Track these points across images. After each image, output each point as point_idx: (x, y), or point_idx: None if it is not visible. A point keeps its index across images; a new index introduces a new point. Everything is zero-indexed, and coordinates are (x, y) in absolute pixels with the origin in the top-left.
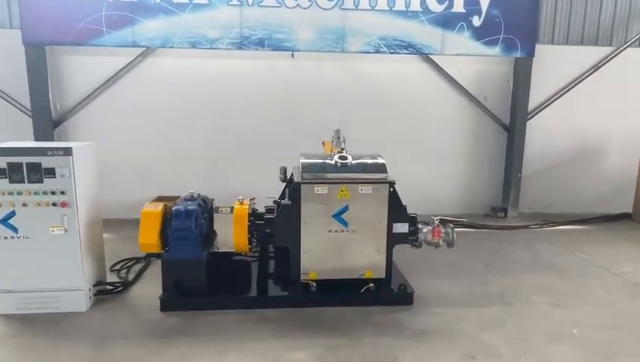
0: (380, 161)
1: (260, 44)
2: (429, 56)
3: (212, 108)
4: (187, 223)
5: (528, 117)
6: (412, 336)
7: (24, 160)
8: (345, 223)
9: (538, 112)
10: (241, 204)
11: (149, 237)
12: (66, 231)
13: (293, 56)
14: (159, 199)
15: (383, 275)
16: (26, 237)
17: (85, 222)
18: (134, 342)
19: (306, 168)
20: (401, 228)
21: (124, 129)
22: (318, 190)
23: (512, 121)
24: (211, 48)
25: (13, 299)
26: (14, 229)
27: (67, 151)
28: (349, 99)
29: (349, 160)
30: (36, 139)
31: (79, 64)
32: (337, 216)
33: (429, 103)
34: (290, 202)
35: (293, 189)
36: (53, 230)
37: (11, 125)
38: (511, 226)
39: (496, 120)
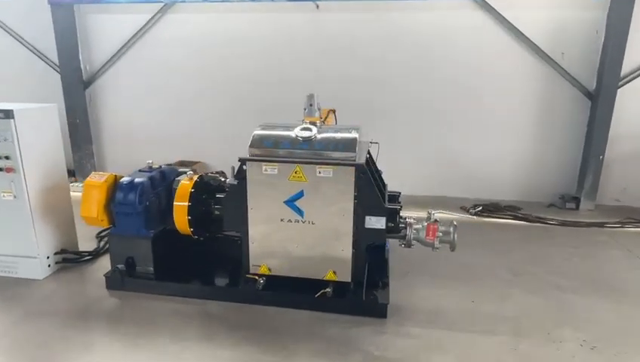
0: (350, 135)
1: None
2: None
3: (231, 67)
4: (130, 197)
5: (621, 82)
6: None
7: None
8: (300, 212)
9: (636, 77)
10: (190, 179)
11: (90, 211)
12: (15, 197)
13: (317, 7)
14: (181, 163)
15: (348, 278)
16: None
17: (39, 189)
18: (57, 320)
19: (255, 142)
20: (376, 222)
21: (147, 90)
22: (266, 169)
23: (597, 87)
24: (223, 1)
25: None
26: None
27: (7, 114)
28: (384, 58)
29: (313, 133)
30: (66, 101)
31: (105, 23)
32: (290, 203)
33: (486, 62)
34: (235, 182)
35: (239, 167)
36: (4, 195)
37: (44, 84)
38: (579, 223)
39: (575, 84)
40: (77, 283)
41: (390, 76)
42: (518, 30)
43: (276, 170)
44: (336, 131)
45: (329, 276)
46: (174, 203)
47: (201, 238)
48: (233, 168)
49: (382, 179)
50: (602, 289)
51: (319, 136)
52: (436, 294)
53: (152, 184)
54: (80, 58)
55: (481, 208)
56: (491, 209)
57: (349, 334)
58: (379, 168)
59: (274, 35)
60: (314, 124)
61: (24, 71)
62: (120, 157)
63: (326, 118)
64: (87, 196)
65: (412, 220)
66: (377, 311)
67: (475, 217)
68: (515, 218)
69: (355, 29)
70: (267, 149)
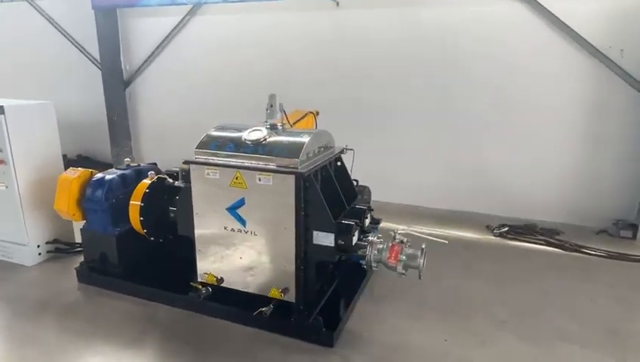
0: (299, 140)
1: None
2: None
3: (257, 66)
4: (97, 194)
5: None
6: None
7: None
8: (242, 221)
9: None
10: (151, 179)
11: (61, 204)
12: (6, 187)
13: (338, 4)
14: None
15: (292, 298)
16: None
17: (30, 181)
18: (13, 307)
19: (202, 143)
20: (324, 239)
21: (180, 89)
22: (208, 173)
23: None
24: (241, 1)
25: None
26: None
27: None
28: (406, 57)
29: (262, 136)
30: (107, 99)
31: (142, 25)
32: (232, 211)
33: (524, 61)
34: (183, 185)
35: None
36: None
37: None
38: (627, 256)
39: (636, 86)
40: (57, 273)
41: (412, 76)
42: (564, 24)
43: (217, 175)
44: (289, 135)
45: (273, 293)
46: (130, 201)
47: (160, 240)
48: (182, 170)
49: (351, 190)
50: (621, 348)
51: (269, 140)
52: (407, 326)
53: (123, 182)
54: (121, 59)
55: (507, 229)
56: (520, 231)
57: (284, 359)
58: (352, 178)
59: (296, 33)
60: (274, 126)
61: (74, 70)
62: (155, 153)
63: (297, 120)
64: (61, 190)
65: (376, 239)
66: (322, 338)
67: (498, 238)
68: (548, 244)
69: (376, 26)
70: (212, 152)
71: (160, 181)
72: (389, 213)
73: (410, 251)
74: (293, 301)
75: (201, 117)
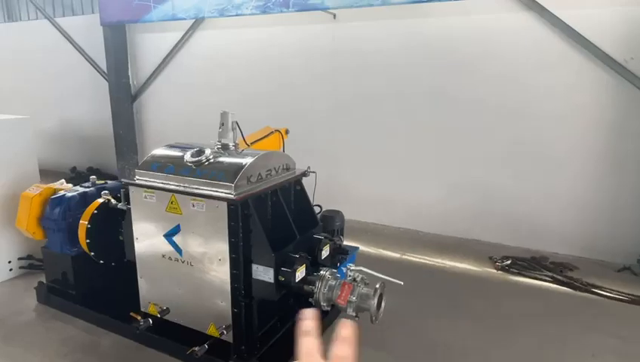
0: (241, 161)
1: (285, 4)
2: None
3: (259, 80)
4: (55, 213)
5: None
6: None
7: None
8: (178, 249)
9: None
10: (108, 199)
11: (21, 222)
12: None
13: (335, 17)
14: None
15: (230, 337)
16: None
17: (3, 195)
18: None
19: (144, 163)
20: (264, 273)
21: (183, 102)
22: (146, 196)
23: None
24: (237, 15)
25: None
26: None
27: None
28: (410, 72)
29: (204, 157)
30: (113, 113)
31: (147, 41)
32: (169, 238)
33: (534, 76)
34: (125, 207)
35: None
36: None
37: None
38: None
39: None
40: (23, 290)
41: (416, 91)
42: (580, 34)
43: (154, 199)
44: (233, 157)
45: (211, 331)
46: (80, 221)
47: (112, 263)
48: (124, 192)
49: (309, 218)
50: None
51: (211, 162)
52: None
53: (84, 201)
54: (129, 74)
55: (510, 261)
56: (525, 264)
57: None
58: (314, 204)
59: (295, 47)
60: (226, 146)
61: (87, 84)
62: None
63: (257, 140)
64: (21, 207)
65: (329, 274)
66: None
67: (499, 273)
68: (555, 281)
69: (377, 39)
70: (152, 173)
71: (110, 201)
72: (386, 238)
73: (364, 291)
74: (230, 341)
75: (205, 131)
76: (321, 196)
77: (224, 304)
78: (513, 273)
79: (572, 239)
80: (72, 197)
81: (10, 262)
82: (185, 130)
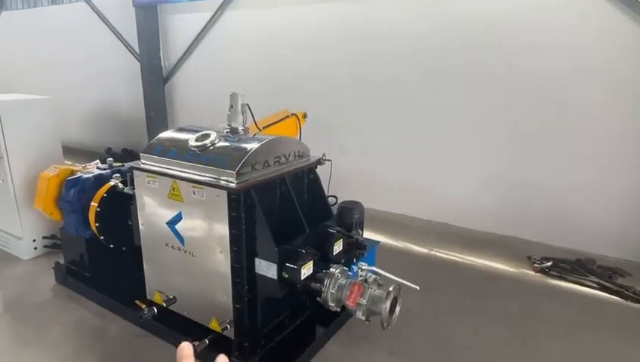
0: (245, 146)
1: None
2: None
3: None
4: (70, 194)
5: None
6: None
7: None
8: (181, 238)
9: None
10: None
11: (40, 202)
12: (2, 181)
13: None
14: None
15: (231, 334)
16: None
17: (28, 176)
18: None
19: (150, 147)
20: (267, 269)
21: (214, 84)
22: (149, 182)
23: None
24: None
25: None
26: None
27: None
28: (443, 56)
29: (209, 141)
30: (145, 95)
31: (179, 22)
32: (172, 226)
33: (588, 62)
34: (131, 191)
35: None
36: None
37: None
38: None
39: None
40: (44, 269)
41: (448, 76)
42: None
43: (157, 184)
44: (240, 142)
45: (213, 325)
46: (91, 203)
47: (123, 248)
48: (130, 176)
49: (322, 209)
50: None
51: (216, 146)
52: None
53: (99, 183)
54: (161, 55)
55: (551, 263)
56: (568, 267)
57: None
58: (328, 195)
59: (328, 26)
60: (235, 130)
61: (121, 66)
62: None
63: (270, 124)
64: (39, 188)
65: (338, 272)
66: None
67: (538, 275)
68: (603, 288)
69: (408, 21)
70: (155, 157)
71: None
72: (413, 231)
73: (376, 293)
74: (232, 337)
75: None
76: (346, 186)
77: (225, 299)
78: (554, 276)
79: (624, 241)
80: (87, 178)
81: (34, 240)
82: (214, 111)
